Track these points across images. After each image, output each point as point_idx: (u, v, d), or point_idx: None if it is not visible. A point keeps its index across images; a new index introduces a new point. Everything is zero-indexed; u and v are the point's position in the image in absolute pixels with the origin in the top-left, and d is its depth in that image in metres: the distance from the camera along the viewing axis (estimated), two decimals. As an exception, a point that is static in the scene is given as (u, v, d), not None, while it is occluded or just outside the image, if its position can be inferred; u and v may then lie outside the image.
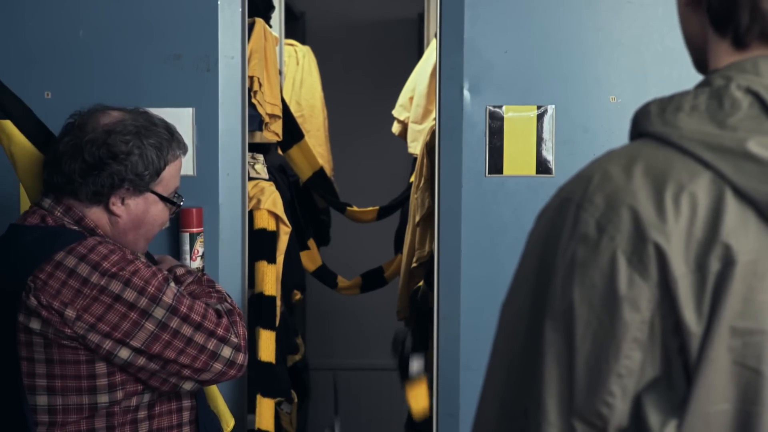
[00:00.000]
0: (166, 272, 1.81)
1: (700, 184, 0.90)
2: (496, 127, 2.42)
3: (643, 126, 0.98)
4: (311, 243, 3.37)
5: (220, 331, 1.77)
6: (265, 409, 2.58)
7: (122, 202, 1.81)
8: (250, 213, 2.58)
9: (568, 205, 0.95)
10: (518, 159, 2.43)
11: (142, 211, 1.84)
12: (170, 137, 1.85)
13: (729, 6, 0.99)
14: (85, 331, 1.67)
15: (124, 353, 1.70)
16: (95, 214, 1.81)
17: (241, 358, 1.79)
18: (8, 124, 1.92)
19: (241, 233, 2.44)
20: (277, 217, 2.66)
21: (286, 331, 2.99)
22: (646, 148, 0.95)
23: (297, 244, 3.12)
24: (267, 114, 2.73)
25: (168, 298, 1.72)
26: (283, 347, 2.83)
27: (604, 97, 2.42)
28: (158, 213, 1.86)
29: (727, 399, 0.90)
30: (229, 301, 1.92)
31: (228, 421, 2.08)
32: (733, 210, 0.89)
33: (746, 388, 0.90)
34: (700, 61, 1.06)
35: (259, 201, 2.62)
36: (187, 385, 1.78)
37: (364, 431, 4.99)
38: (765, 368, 0.89)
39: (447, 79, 2.43)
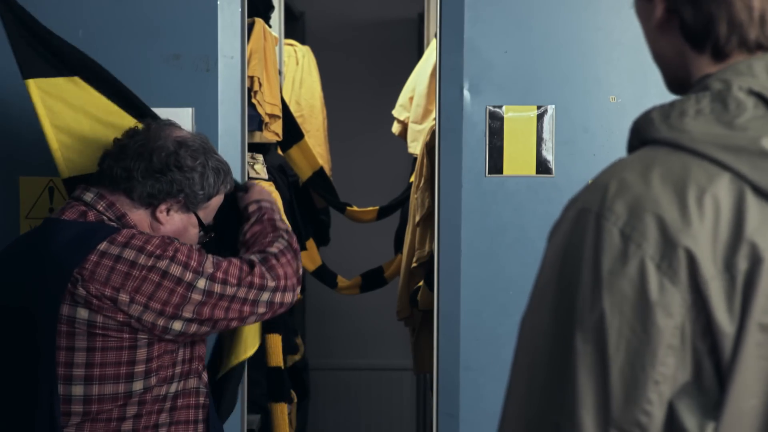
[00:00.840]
0: (199, 246, 1.92)
1: (720, 185, 0.91)
2: (496, 127, 2.42)
3: (648, 133, 0.98)
4: (310, 243, 3.37)
5: (256, 281, 1.85)
6: (280, 415, 2.59)
7: (168, 213, 1.88)
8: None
9: (587, 216, 0.95)
10: (518, 159, 2.43)
11: (182, 228, 1.91)
12: (228, 170, 1.95)
13: (706, 22, 1.00)
14: (140, 312, 1.74)
15: (177, 325, 1.77)
16: (138, 216, 1.86)
17: (279, 296, 1.88)
18: (57, 82, 1.98)
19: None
20: (276, 217, 2.66)
21: (286, 331, 2.99)
22: (659, 154, 0.95)
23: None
24: (267, 114, 2.73)
25: (209, 268, 1.80)
26: (282, 347, 2.83)
27: (604, 97, 2.42)
28: (192, 236, 1.93)
29: (756, 394, 0.91)
30: (282, 240, 1.97)
31: (248, 348, 2.14)
32: (755, 208, 0.90)
33: None
34: (676, 79, 1.07)
35: (258, 201, 2.62)
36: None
37: (364, 431, 4.99)
38: None
39: (447, 79, 2.43)
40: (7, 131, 2.35)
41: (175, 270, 1.77)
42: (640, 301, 0.91)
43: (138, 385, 1.78)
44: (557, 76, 2.42)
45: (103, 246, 1.75)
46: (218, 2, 2.34)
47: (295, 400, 3.10)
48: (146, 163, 1.83)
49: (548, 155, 2.43)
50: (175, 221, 1.89)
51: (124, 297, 1.73)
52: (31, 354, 1.79)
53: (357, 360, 4.99)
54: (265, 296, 1.86)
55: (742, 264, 0.90)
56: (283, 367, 2.65)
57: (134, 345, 1.76)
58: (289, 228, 2.04)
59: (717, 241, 0.90)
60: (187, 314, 1.78)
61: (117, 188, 1.84)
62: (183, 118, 2.32)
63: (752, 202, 0.90)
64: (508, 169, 2.43)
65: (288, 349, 3.09)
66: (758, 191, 0.91)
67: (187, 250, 1.81)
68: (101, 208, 1.84)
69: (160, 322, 1.76)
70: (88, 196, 1.85)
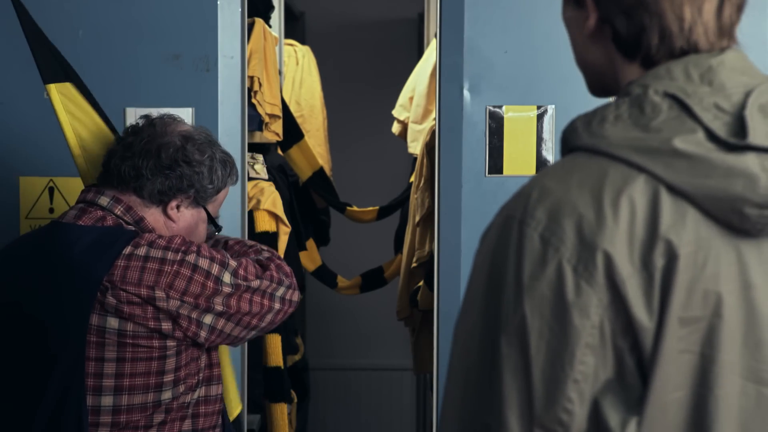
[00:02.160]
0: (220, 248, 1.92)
1: (636, 187, 0.94)
2: (495, 127, 2.43)
3: (572, 141, 1.02)
4: (310, 243, 3.37)
5: (274, 274, 1.88)
6: (279, 414, 2.59)
7: (178, 209, 1.86)
8: (250, 213, 2.58)
9: (511, 223, 0.99)
10: (518, 159, 2.43)
11: (192, 224, 1.89)
12: (233, 162, 1.94)
13: (637, 33, 1.03)
14: (177, 306, 1.74)
15: (208, 319, 1.77)
16: (154, 216, 1.85)
17: (290, 293, 1.90)
18: (70, 88, 1.97)
19: (240, 234, 2.44)
20: (276, 218, 2.66)
21: (286, 331, 2.99)
22: (579, 160, 0.99)
23: (296, 244, 3.12)
24: (267, 114, 2.73)
25: (232, 262, 1.82)
26: (282, 347, 2.83)
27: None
28: (202, 232, 1.93)
29: (680, 386, 0.94)
30: (265, 249, 2.00)
31: (235, 407, 2.13)
32: (669, 206, 0.94)
33: (695, 373, 0.94)
34: (601, 84, 1.11)
35: (258, 201, 2.63)
36: (249, 335, 1.90)
37: (364, 431, 4.99)
38: (710, 351, 0.94)
39: (447, 79, 2.43)
40: (7, 131, 2.35)
41: (203, 263, 1.77)
42: (558, 303, 0.93)
43: (167, 395, 1.77)
44: (557, 76, 2.42)
45: (128, 250, 1.73)
46: (218, 2, 2.34)
47: (295, 400, 3.10)
48: (154, 159, 1.80)
49: (548, 155, 2.43)
50: (186, 217, 1.87)
51: (160, 293, 1.72)
52: (38, 360, 1.76)
53: (357, 360, 4.99)
54: (281, 291, 1.88)
55: (659, 261, 0.92)
56: (282, 367, 2.65)
57: (164, 355, 1.75)
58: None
59: (633, 240, 0.93)
60: (219, 306, 1.78)
61: (126, 188, 1.82)
62: (183, 118, 2.32)
63: (666, 200, 0.94)
64: (508, 169, 2.44)
65: (288, 349, 3.09)
66: (672, 190, 0.94)
67: (208, 247, 1.83)
68: (119, 212, 1.81)
69: (194, 315, 1.76)
70: (104, 201, 1.82)
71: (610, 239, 0.92)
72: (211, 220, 1.92)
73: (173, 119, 1.90)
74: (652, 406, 0.93)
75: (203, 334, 1.78)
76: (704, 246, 0.94)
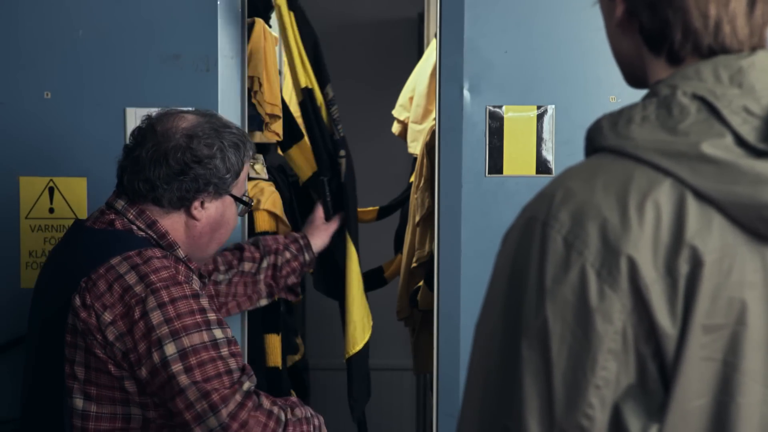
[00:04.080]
0: (207, 315, 1.71)
1: (661, 191, 0.93)
2: (495, 127, 2.42)
3: (597, 141, 1.00)
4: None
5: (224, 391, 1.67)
6: None
7: (202, 206, 1.83)
8: (250, 213, 2.58)
9: (534, 224, 0.97)
10: (518, 159, 2.43)
11: (220, 214, 1.86)
12: (244, 138, 1.89)
13: (662, 27, 1.02)
14: (114, 338, 1.66)
15: (143, 372, 1.66)
16: (170, 220, 1.82)
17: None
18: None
19: (241, 234, 2.44)
20: (276, 218, 2.66)
21: (286, 331, 2.99)
22: (604, 161, 0.97)
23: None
24: (267, 114, 2.73)
25: (185, 341, 1.66)
26: (282, 347, 2.83)
27: (604, 97, 2.42)
28: (233, 215, 1.89)
29: (702, 394, 0.93)
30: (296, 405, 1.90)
31: (359, 338, 2.26)
32: (695, 212, 0.92)
33: (717, 380, 0.93)
34: (634, 76, 1.10)
35: (258, 201, 2.62)
36: None
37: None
38: (732, 359, 0.92)
39: (447, 79, 2.43)
40: (7, 131, 2.35)
41: (155, 317, 1.65)
42: (581, 308, 0.92)
43: (136, 410, 1.71)
44: (557, 76, 2.42)
45: (115, 260, 1.70)
46: (218, 2, 2.34)
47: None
48: (165, 168, 1.78)
49: (548, 155, 2.43)
50: (211, 212, 1.84)
51: (107, 317, 1.66)
52: (32, 353, 1.79)
53: (357, 360, 4.98)
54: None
55: (683, 267, 0.91)
56: (281, 368, 2.64)
57: (120, 376, 1.69)
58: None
59: (658, 245, 0.91)
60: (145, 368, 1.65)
61: (144, 200, 1.80)
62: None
63: (692, 206, 0.92)
64: (508, 169, 2.43)
65: (288, 349, 3.09)
66: (699, 195, 0.92)
67: (182, 309, 1.67)
68: (131, 216, 1.80)
69: (130, 357, 1.66)
70: (120, 204, 1.82)
71: (634, 244, 0.91)
72: (239, 201, 1.88)
73: (172, 115, 1.86)
74: (673, 413, 0.92)
75: (140, 375, 1.67)
76: (730, 253, 0.92)
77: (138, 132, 1.86)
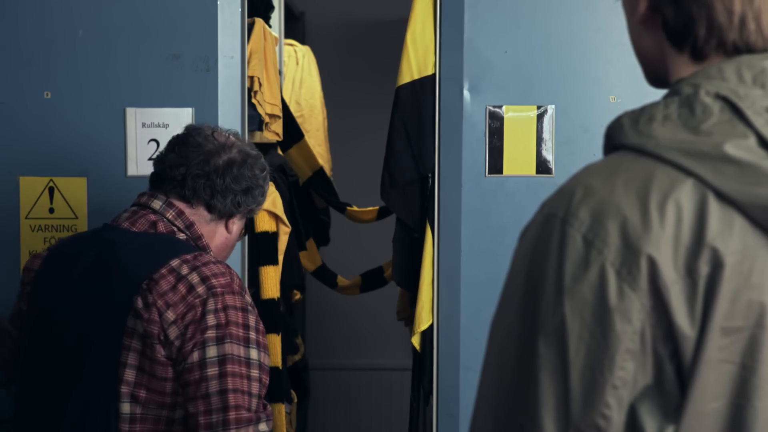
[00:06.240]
0: (249, 333, 1.75)
1: (683, 191, 0.92)
2: (495, 127, 2.42)
3: (617, 139, 0.99)
4: (310, 243, 3.37)
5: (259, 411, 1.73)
6: (277, 415, 2.59)
7: (236, 222, 1.94)
8: (250, 213, 2.58)
9: (553, 221, 0.96)
10: (518, 159, 2.43)
11: (238, 233, 1.97)
12: (267, 168, 1.99)
13: (686, 22, 1.00)
14: (174, 337, 1.69)
15: (181, 366, 1.69)
16: (208, 227, 1.89)
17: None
18: None
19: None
20: (276, 218, 2.66)
21: (286, 331, 2.99)
22: (625, 160, 0.96)
23: (296, 244, 3.12)
24: (267, 114, 2.73)
25: (227, 348, 1.70)
26: (282, 347, 2.83)
27: (604, 97, 2.42)
28: (240, 230, 1.98)
29: (719, 396, 0.92)
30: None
31: (425, 318, 2.34)
32: (717, 213, 0.91)
33: (734, 383, 0.92)
34: (655, 74, 1.09)
35: (258, 201, 2.62)
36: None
37: (364, 431, 4.99)
38: (750, 362, 0.92)
39: (447, 79, 2.43)
40: (7, 131, 2.35)
41: (211, 320, 1.70)
42: (600, 307, 0.91)
43: (180, 413, 1.73)
44: (557, 76, 2.42)
45: (175, 263, 1.73)
46: (218, 2, 2.34)
47: (295, 400, 3.10)
48: (231, 180, 1.86)
49: (548, 155, 2.43)
50: (237, 228, 1.94)
51: (170, 315, 1.69)
52: (68, 360, 1.75)
53: (357, 360, 4.99)
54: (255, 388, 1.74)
55: (704, 269, 0.90)
56: (280, 368, 2.64)
57: (178, 377, 1.71)
58: None
59: (678, 246, 0.90)
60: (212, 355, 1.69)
61: (196, 202, 1.86)
62: (183, 118, 2.33)
63: (714, 207, 0.91)
64: (508, 169, 2.43)
65: (288, 349, 3.09)
66: (721, 196, 0.91)
67: (235, 318, 1.73)
68: (171, 217, 1.83)
69: (184, 352, 1.69)
70: (157, 204, 1.84)
71: (655, 244, 0.90)
72: (247, 225, 2.01)
73: (214, 130, 1.92)
74: (689, 415, 0.91)
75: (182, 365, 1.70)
76: (750, 255, 0.91)
77: (183, 142, 1.88)
